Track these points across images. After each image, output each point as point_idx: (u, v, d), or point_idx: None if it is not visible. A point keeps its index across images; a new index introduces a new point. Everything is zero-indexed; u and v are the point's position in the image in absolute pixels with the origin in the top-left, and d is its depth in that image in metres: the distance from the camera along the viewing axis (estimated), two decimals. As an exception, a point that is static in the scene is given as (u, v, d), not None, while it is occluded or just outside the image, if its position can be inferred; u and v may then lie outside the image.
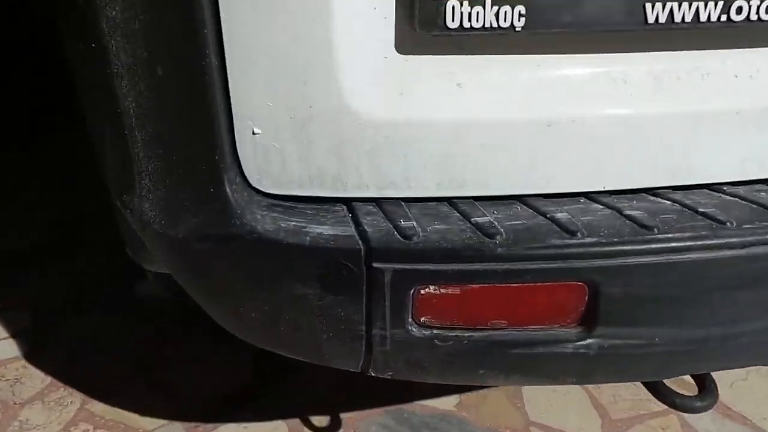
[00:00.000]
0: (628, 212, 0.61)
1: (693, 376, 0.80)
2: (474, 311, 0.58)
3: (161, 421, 1.36)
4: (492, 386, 1.49)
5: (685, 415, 1.40)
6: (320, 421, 1.38)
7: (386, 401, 1.44)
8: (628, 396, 1.47)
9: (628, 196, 0.67)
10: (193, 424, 1.35)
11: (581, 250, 0.56)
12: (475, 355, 0.60)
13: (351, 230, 0.58)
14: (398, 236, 0.57)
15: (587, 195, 0.65)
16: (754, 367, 1.57)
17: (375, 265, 0.55)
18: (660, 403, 1.44)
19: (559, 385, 0.66)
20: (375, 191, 0.63)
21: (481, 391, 1.48)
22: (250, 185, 0.62)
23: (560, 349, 0.60)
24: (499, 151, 0.62)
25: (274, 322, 0.62)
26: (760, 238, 0.58)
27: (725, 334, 0.61)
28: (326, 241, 0.56)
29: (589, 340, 0.60)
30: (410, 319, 0.58)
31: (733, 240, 0.58)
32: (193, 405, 1.39)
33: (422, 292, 0.57)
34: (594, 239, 0.57)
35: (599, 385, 1.51)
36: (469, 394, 1.48)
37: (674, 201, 0.63)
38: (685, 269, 0.57)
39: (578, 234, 0.57)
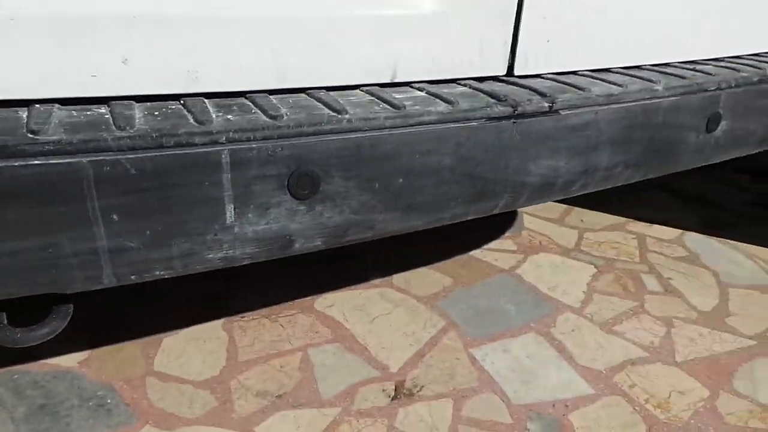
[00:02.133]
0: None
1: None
2: None
3: None
4: (125, 341, 1.43)
5: (309, 351, 1.42)
6: None
7: (8, 362, 1.32)
8: (268, 337, 1.47)
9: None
10: None
11: None
12: None
13: None
14: None
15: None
16: (396, 300, 1.64)
17: None
18: (291, 343, 1.48)
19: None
20: None
21: (115, 345, 1.41)
22: None
23: None
24: None
25: None
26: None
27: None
28: None
29: None
30: None
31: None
32: None
33: None
34: None
35: (244, 328, 1.50)
36: (102, 348, 1.40)
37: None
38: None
39: None
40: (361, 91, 0.78)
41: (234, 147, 0.62)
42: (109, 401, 1.25)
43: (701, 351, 1.45)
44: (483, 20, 0.81)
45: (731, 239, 2.08)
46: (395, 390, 1.32)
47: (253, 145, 0.63)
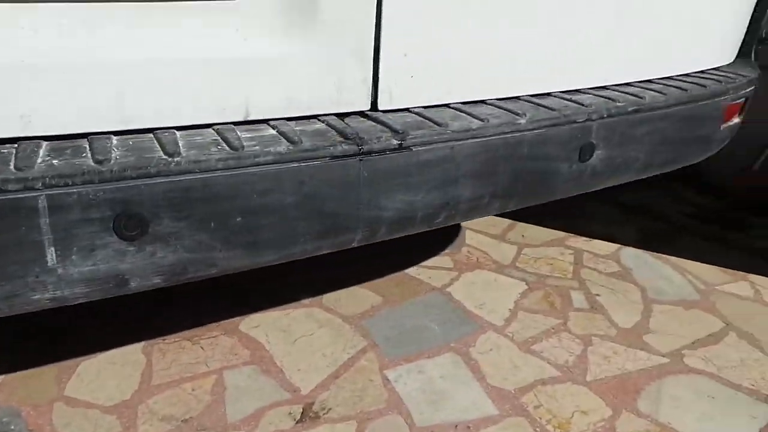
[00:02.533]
0: None
1: None
2: None
3: None
4: (43, 365, 1.43)
5: (225, 374, 1.43)
6: None
7: None
8: (186, 360, 1.48)
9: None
10: None
11: None
12: None
13: None
14: None
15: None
16: (315, 327, 1.65)
17: None
18: (208, 366, 1.48)
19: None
20: None
21: (32, 370, 1.42)
22: None
23: None
24: None
25: None
26: None
27: None
28: None
29: None
30: None
31: None
32: None
33: None
34: None
35: (164, 351, 1.51)
36: (17, 373, 1.41)
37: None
38: None
39: None
40: (213, 130, 0.80)
41: (52, 192, 0.63)
42: (12, 428, 1.26)
43: (613, 369, 1.48)
44: (337, 59, 0.83)
45: (668, 253, 2.11)
46: (302, 413, 1.33)
47: (73, 190, 0.64)
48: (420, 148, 0.84)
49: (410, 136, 0.83)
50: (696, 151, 1.27)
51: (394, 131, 0.83)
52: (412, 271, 1.96)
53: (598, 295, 1.83)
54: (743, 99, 1.36)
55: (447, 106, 0.97)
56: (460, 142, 0.87)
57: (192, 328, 1.61)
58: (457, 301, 1.78)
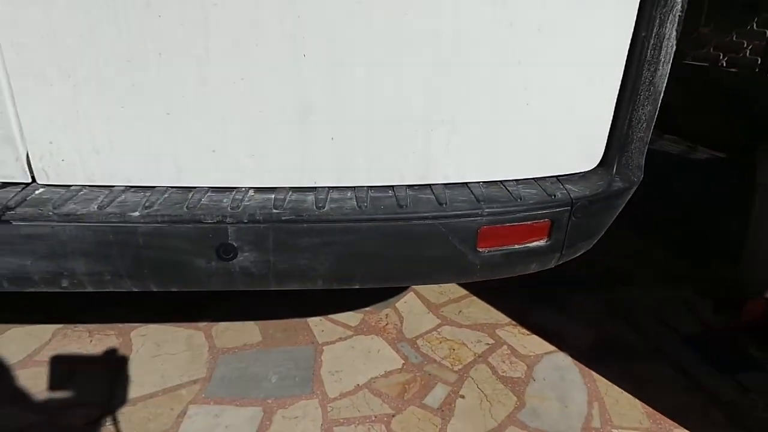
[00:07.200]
0: None
1: None
2: None
3: None
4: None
5: (77, 367, 1.69)
6: None
7: None
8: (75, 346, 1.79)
9: None
10: None
11: None
12: None
13: None
14: None
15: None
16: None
17: None
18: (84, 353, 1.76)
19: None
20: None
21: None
22: None
23: None
24: None
25: None
26: None
27: None
28: None
29: None
30: None
31: None
32: None
33: None
34: None
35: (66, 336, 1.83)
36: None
37: None
38: None
39: None
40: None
41: None
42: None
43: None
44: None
45: (608, 375, 1.74)
46: (97, 419, 1.52)
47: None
48: (19, 223, 0.97)
49: (9, 212, 0.97)
50: (436, 273, 1.12)
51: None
52: (314, 320, 1.99)
53: (462, 396, 1.64)
54: (542, 219, 1.14)
55: (111, 187, 1.06)
56: (62, 224, 0.97)
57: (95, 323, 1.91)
58: (321, 361, 1.77)
